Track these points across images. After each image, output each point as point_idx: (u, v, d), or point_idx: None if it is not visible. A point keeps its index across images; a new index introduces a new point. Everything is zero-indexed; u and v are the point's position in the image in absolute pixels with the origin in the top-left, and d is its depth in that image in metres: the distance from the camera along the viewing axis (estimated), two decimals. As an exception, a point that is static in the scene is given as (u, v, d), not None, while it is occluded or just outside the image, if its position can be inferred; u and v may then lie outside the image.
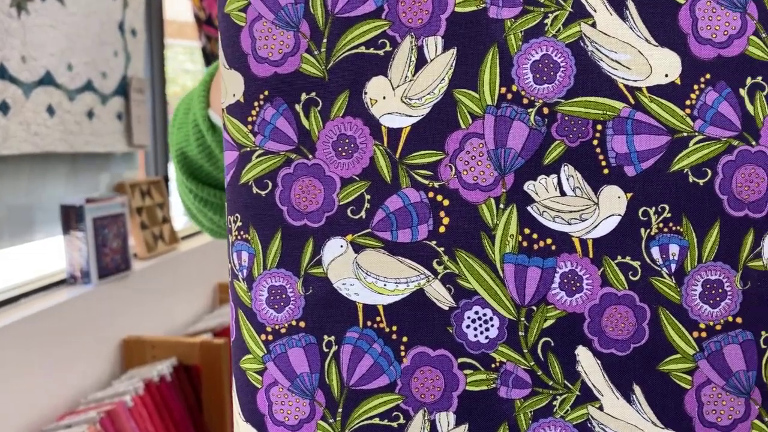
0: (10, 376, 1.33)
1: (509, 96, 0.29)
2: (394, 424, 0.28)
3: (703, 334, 0.29)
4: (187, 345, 1.76)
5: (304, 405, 0.29)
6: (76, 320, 1.54)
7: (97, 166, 1.82)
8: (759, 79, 0.29)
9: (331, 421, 0.29)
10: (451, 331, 0.29)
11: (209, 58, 2.39)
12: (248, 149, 0.29)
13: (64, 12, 1.55)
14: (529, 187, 0.29)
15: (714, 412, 0.29)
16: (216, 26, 2.47)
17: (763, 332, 0.29)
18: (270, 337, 0.29)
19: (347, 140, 0.29)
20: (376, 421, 0.29)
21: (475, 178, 0.29)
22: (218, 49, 0.32)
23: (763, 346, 0.29)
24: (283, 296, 0.29)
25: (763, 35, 0.29)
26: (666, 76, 0.29)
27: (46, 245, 1.63)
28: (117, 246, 1.69)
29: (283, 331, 0.29)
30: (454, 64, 0.29)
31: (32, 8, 1.44)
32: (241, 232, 0.29)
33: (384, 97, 0.29)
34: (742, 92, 0.29)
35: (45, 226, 1.62)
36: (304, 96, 0.29)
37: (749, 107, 0.29)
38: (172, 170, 1.93)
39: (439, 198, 0.29)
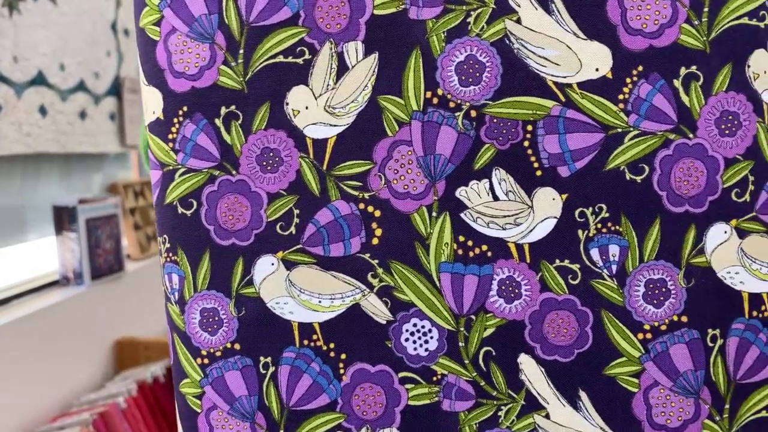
0: (2, 378, 1.32)
1: (435, 100, 0.28)
2: None
3: (649, 335, 0.29)
4: (181, 346, 1.76)
5: (245, 428, 0.28)
6: (68, 321, 1.54)
7: (90, 166, 1.81)
8: (693, 68, 0.28)
9: None
10: (389, 345, 0.28)
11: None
12: (171, 168, 0.29)
13: (56, 12, 1.54)
14: (461, 193, 0.28)
15: (663, 414, 0.28)
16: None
17: (709, 330, 0.29)
18: (206, 361, 0.28)
19: (271, 154, 0.28)
20: None
21: (406, 187, 0.28)
22: (138, 67, 0.31)
23: (710, 344, 0.29)
24: (216, 319, 0.28)
25: (696, 23, 0.28)
26: (597, 70, 0.28)
27: (38, 246, 1.62)
28: (110, 247, 1.69)
29: (218, 354, 0.28)
30: (376, 70, 0.28)
31: (24, 8, 1.43)
32: (170, 254, 0.28)
33: (306, 107, 0.28)
34: (677, 83, 0.28)
35: (37, 226, 1.62)
36: (223, 110, 0.28)
37: (684, 98, 0.28)
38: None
39: (371, 209, 0.28)
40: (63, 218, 1.57)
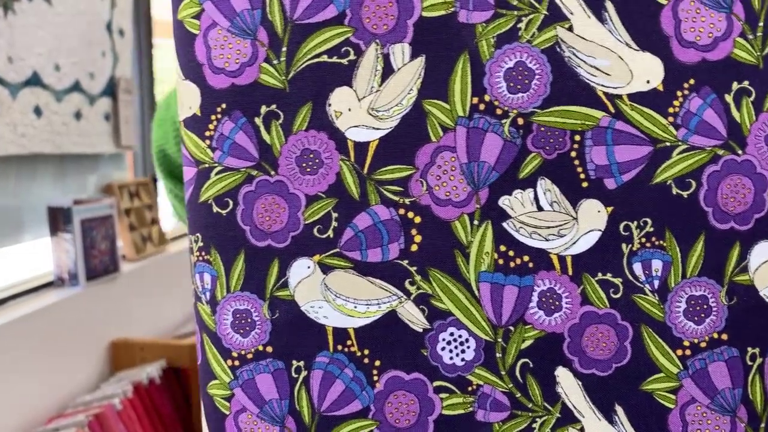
0: (-3, 380, 1.32)
1: (482, 106, 0.27)
2: None
3: (688, 352, 0.28)
4: (176, 347, 1.75)
5: None
6: (64, 322, 1.53)
7: (85, 167, 1.81)
8: (746, 83, 0.27)
9: None
10: (425, 353, 0.28)
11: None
12: (207, 166, 0.28)
13: (51, 12, 1.54)
14: (504, 202, 0.28)
15: (699, 431, 0.28)
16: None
17: (749, 348, 0.28)
18: (236, 363, 0.28)
19: (312, 155, 0.27)
20: None
21: (448, 194, 0.28)
22: (175, 60, 0.30)
23: (749, 363, 0.28)
24: (249, 320, 0.27)
25: (750, 37, 0.27)
26: (648, 82, 0.27)
27: (33, 247, 1.62)
28: (105, 248, 1.68)
29: (249, 356, 0.28)
30: (422, 73, 0.27)
31: (19, 8, 1.42)
32: (203, 253, 0.27)
33: (349, 109, 0.27)
34: (728, 98, 0.27)
35: (32, 227, 1.61)
36: (264, 108, 0.27)
37: (735, 114, 0.27)
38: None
39: (411, 215, 0.27)
40: (58, 219, 1.57)
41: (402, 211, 0.27)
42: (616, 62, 0.27)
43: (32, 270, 1.62)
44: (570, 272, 0.27)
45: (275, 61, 0.27)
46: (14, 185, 1.56)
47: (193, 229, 0.28)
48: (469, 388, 0.28)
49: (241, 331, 0.27)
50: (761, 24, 0.27)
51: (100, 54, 1.75)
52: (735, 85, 0.27)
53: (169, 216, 2.24)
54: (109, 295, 1.70)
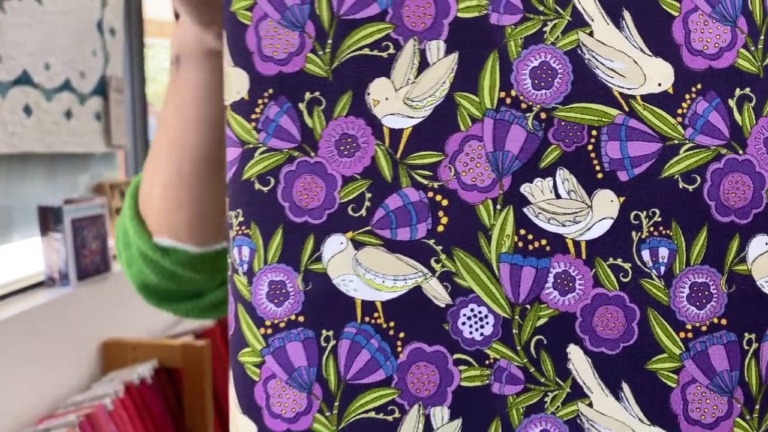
0: (-14, 380, 1.31)
1: (508, 100, 0.30)
2: (390, 418, 0.29)
3: (690, 335, 0.31)
4: (168, 347, 1.75)
5: (302, 398, 0.29)
6: (54, 322, 1.53)
7: (76, 166, 1.80)
8: (747, 90, 0.31)
9: (327, 414, 0.29)
10: (447, 327, 0.30)
11: (189, 57, 2.38)
12: (251, 146, 0.30)
13: (41, 11, 1.53)
14: (525, 189, 0.30)
15: (698, 410, 0.30)
16: (196, 26, 2.44)
17: (746, 334, 0.31)
18: (269, 331, 0.30)
19: (349, 139, 0.30)
20: (372, 414, 0.29)
21: (474, 180, 0.30)
22: (224, 48, 0.31)
23: (746, 348, 0.31)
24: (283, 291, 0.29)
25: (752, 48, 0.31)
26: (659, 85, 0.30)
27: (23, 247, 1.61)
28: (96, 247, 1.67)
29: (282, 325, 0.30)
30: (455, 68, 0.30)
31: (9, 7, 1.42)
32: (243, 227, 0.30)
33: (386, 98, 0.30)
34: (731, 102, 0.30)
35: (22, 227, 1.60)
36: (308, 95, 0.30)
37: (737, 117, 0.30)
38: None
39: (438, 198, 0.30)
40: (48, 219, 1.56)
41: (430, 194, 0.30)
42: (631, 66, 0.30)
43: (22, 270, 1.61)
44: (584, 256, 0.30)
45: (320, 52, 0.29)
46: (4, 185, 1.55)
47: (234, 205, 0.30)
48: (487, 362, 0.30)
49: (276, 301, 0.29)
50: (762, 37, 0.31)
51: (91, 53, 1.75)
52: (738, 91, 0.31)
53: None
54: (100, 295, 1.69)
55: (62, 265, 1.57)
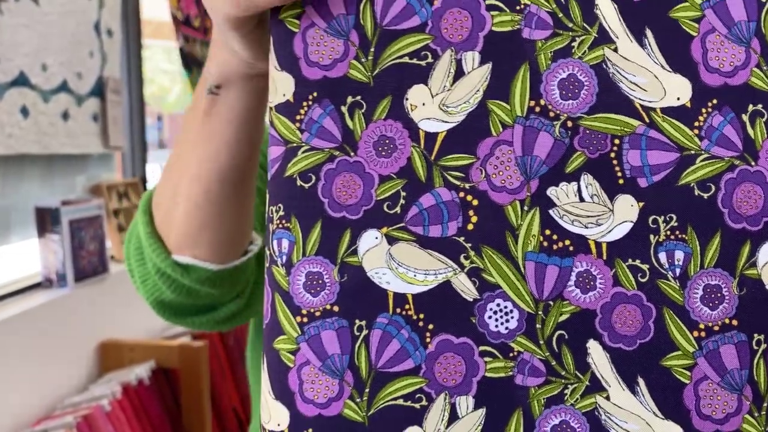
0: (-16, 382, 1.31)
1: (537, 109, 0.32)
2: (417, 406, 0.31)
3: (703, 334, 0.32)
4: (166, 348, 1.75)
5: (334, 384, 0.31)
6: (52, 324, 1.53)
7: (73, 167, 1.80)
8: (759, 106, 0.33)
9: (358, 400, 0.31)
10: (474, 321, 0.32)
11: (187, 59, 2.38)
12: (294, 145, 0.32)
13: (38, 12, 1.53)
14: (551, 192, 0.32)
15: (710, 405, 0.32)
16: (194, 27, 2.45)
17: (755, 335, 0.33)
18: (305, 320, 0.31)
19: (387, 141, 0.32)
20: (400, 402, 0.31)
21: (503, 182, 0.32)
22: (270, 52, 0.34)
23: (755, 348, 0.32)
24: (320, 282, 0.31)
25: (765, 68, 0.33)
26: (678, 99, 0.33)
27: (21, 248, 1.61)
28: (94, 248, 1.68)
29: (317, 314, 0.31)
30: (489, 77, 0.32)
31: (6, 8, 1.42)
32: (283, 221, 0.31)
33: (423, 104, 0.32)
34: (744, 117, 0.33)
35: (20, 228, 1.60)
36: (350, 99, 0.32)
37: (750, 131, 0.33)
38: (150, 168, 1.88)
39: (469, 198, 0.32)
40: (46, 220, 1.56)
41: (462, 194, 0.32)
42: (652, 80, 0.33)
43: (20, 271, 1.61)
44: (604, 257, 0.32)
45: (363, 60, 0.32)
46: (1, 186, 1.55)
47: (275, 200, 0.32)
48: (511, 354, 0.32)
49: (312, 291, 0.31)
50: None
51: (88, 54, 1.75)
52: (750, 107, 0.33)
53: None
54: (97, 296, 1.69)
55: (59, 266, 1.57)
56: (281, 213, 0.32)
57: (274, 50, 0.33)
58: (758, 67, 0.33)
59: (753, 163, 0.33)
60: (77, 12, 1.68)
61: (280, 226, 0.31)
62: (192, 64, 2.43)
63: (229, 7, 0.35)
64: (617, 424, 0.32)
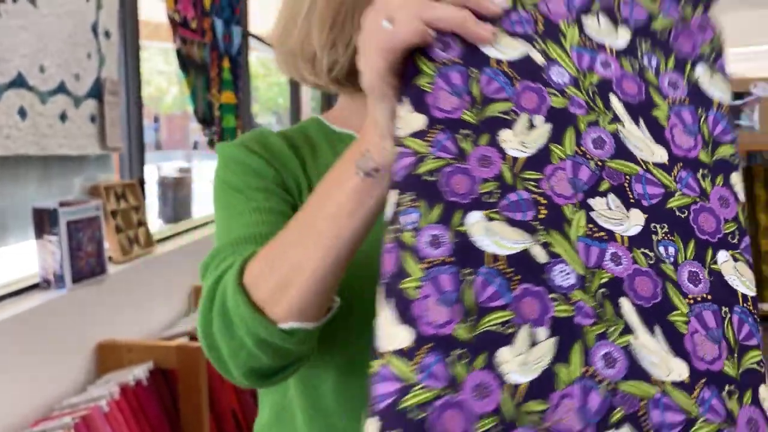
0: (-18, 382, 1.31)
1: (579, 152, 0.49)
2: (507, 332, 0.43)
3: (691, 302, 0.47)
4: (164, 349, 1.75)
5: (448, 312, 0.42)
6: (50, 324, 1.53)
7: (71, 169, 1.80)
8: (705, 171, 0.51)
9: (464, 325, 0.42)
10: (545, 277, 0.45)
11: (184, 60, 2.38)
12: (423, 155, 0.47)
13: (36, 13, 1.53)
14: (590, 201, 0.48)
15: (701, 351, 0.46)
16: (191, 29, 2.45)
17: (723, 307, 0.47)
18: (427, 266, 0.43)
19: (486, 158, 0.47)
20: (496, 328, 0.43)
21: (560, 191, 0.47)
22: (402, 99, 0.48)
23: (723, 315, 0.47)
24: (439, 241, 0.44)
25: (706, 150, 0.52)
26: (661, 158, 0.50)
27: (19, 249, 1.61)
28: (92, 249, 1.68)
29: (437, 262, 0.43)
30: (550, 131, 0.49)
31: (3, 9, 1.42)
32: (414, 202, 0.45)
33: (510, 140, 0.48)
34: (698, 175, 0.51)
35: (17, 230, 1.60)
36: (463, 131, 0.48)
37: (702, 183, 0.51)
38: (147, 170, 1.88)
39: (540, 199, 0.47)
40: (43, 221, 1.56)
41: (535, 196, 0.47)
42: (645, 145, 0.50)
43: (18, 272, 1.61)
44: (626, 245, 0.47)
45: (473, 110, 0.48)
46: (0, 187, 1.55)
47: (408, 189, 0.45)
48: (571, 302, 0.45)
49: (433, 246, 0.44)
50: (710, 146, 0.52)
51: (86, 55, 1.75)
52: (701, 171, 0.51)
53: (155, 218, 2.24)
54: (95, 297, 1.69)
55: (57, 267, 1.58)
56: (413, 197, 0.45)
57: (411, 101, 0.48)
58: (703, 149, 0.51)
59: (707, 202, 0.50)
60: (75, 13, 1.69)
61: (411, 204, 0.44)
62: (189, 65, 2.43)
63: (375, 57, 0.47)
64: (644, 357, 0.44)
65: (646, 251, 0.47)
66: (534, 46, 0.50)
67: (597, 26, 0.52)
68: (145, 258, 1.98)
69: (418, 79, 0.47)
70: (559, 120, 0.48)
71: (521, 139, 0.47)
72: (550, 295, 0.43)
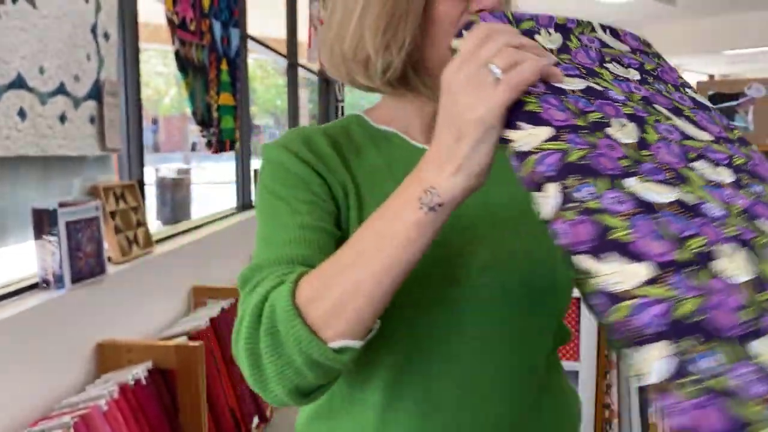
0: (-18, 382, 1.32)
1: (661, 138, 0.59)
2: (709, 249, 0.50)
3: None
4: (163, 348, 1.76)
5: (662, 244, 0.49)
6: (49, 325, 1.54)
7: (70, 169, 1.81)
8: (737, 144, 0.62)
9: (678, 250, 0.49)
10: (702, 212, 0.53)
11: (183, 62, 2.39)
12: (565, 149, 0.54)
13: (35, 15, 1.54)
14: (691, 165, 0.58)
15: None
16: (190, 31, 2.46)
17: None
18: (625, 217, 0.50)
19: (611, 145, 0.55)
20: (701, 249, 0.50)
21: (670, 160, 0.57)
22: (520, 128, 0.56)
23: None
24: (621, 200, 0.52)
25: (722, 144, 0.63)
26: (708, 137, 0.63)
27: (18, 249, 1.62)
28: (91, 250, 1.69)
29: (629, 214, 0.51)
30: (637, 128, 0.59)
31: (3, 11, 1.43)
32: (580, 180, 0.52)
33: (617, 134, 0.57)
34: (735, 146, 0.62)
35: (17, 230, 1.61)
36: (582, 131, 0.56)
37: (744, 150, 0.63)
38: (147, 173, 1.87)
39: (662, 166, 0.56)
40: (43, 221, 1.57)
41: (657, 165, 0.56)
42: (694, 131, 0.62)
43: (16, 272, 1.62)
44: (732, 189, 0.57)
45: (580, 119, 0.56)
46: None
47: (569, 174, 0.52)
48: (731, 225, 0.53)
49: (620, 204, 0.51)
50: (727, 131, 0.63)
51: (85, 57, 1.76)
52: (735, 144, 0.62)
53: (153, 219, 2.25)
54: (95, 297, 1.70)
55: (57, 267, 1.58)
56: (578, 177, 0.52)
57: (528, 121, 0.55)
58: (726, 131, 0.63)
59: (755, 160, 0.62)
60: (74, 15, 1.70)
61: (580, 182, 0.52)
62: (188, 66, 2.44)
63: (503, 94, 0.53)
64: None
65: (746, 190, 0.57)
66: (588, 81, 0.60)
67: (615, 69, 0.64)
68: (145, 258, 1.99)
69: (526, 107, 0.56)
70: (637, 120, 0.59)
71: (622, 133, 0.57)
72: (714, 224, 0.52)
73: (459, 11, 0.65)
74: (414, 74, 0.69)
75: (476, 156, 0.55)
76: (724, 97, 1.99)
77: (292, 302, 0.58)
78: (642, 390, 0.45)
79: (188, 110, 2.52)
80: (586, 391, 2.25)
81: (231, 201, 3.36)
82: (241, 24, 3.03)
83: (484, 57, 0.54)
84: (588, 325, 2.23)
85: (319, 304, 0.58)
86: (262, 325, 0.59)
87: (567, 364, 2.38)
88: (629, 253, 0.49)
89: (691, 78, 7.67)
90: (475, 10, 0.64)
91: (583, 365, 2.29)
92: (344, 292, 0.57)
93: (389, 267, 0.57)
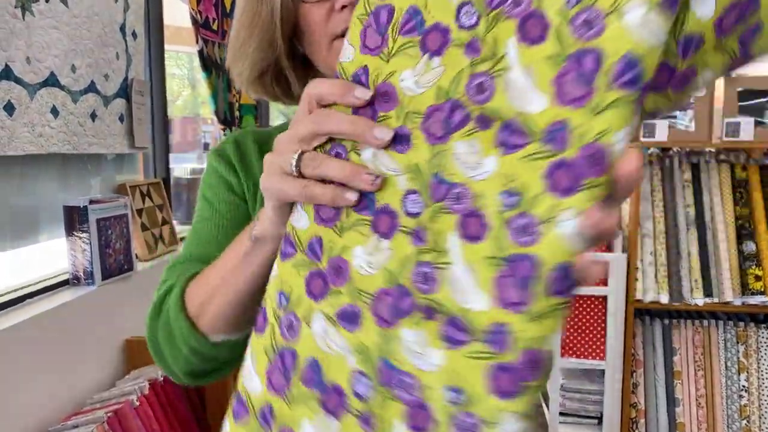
0: (14, 377, 1.33)
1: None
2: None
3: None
4: (190, 345, 1.76)
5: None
6: (79, 321, 1.55)
7: (99, 167, 1.82)
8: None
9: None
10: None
11: (206, 61, 2.40)
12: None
13: (67, 14, 1.56)
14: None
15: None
16: (213, 30, 2.48)
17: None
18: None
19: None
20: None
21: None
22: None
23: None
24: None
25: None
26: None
27: (49, 247, 1.63)
28: (120, 247, 1.70)
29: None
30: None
31: (36, 9, 1.45)
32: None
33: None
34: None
35: (48, 227, 1.63)
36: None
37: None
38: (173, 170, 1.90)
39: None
40: (74, 218, 1.59)
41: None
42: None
43: (49, 269, 1.64)
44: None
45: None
46: (32, 185, 1.57)
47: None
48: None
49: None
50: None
51: (115, 56, 1.77)
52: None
53: (175, 217, 2.26)
54: (123, 294, 1.71)
55: (88, 264, 1.60)
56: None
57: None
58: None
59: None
60: (103, 14, 1.71)
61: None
62: (210, 65, 2.45)
63: (292, 191, 0.52)
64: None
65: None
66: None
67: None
68: (170, 255, 2.00)
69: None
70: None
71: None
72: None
73: (326, 10, 0.66)
74: (297, 82, 0.73)
75: (273, 215, 0.56)
76: (755, 94, 1.99)
77: (181, 297, 0.68)
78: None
79: (201, 112, 2.54)
80: (612, 390, 2.24)
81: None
82: (260, 24, 3.03)
83: (291, 150, 0.52)
84: (614, 323, 2.22)
85: (195, 301, 0.68)
86: (161, 318, 0.70)
87: (593, 363, 2.35)
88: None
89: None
90: (340, 6, 0.64)
91: (609, 364, 2.27)
92: (206, 293, 0.66)
93: (229, 281, 0.64)
